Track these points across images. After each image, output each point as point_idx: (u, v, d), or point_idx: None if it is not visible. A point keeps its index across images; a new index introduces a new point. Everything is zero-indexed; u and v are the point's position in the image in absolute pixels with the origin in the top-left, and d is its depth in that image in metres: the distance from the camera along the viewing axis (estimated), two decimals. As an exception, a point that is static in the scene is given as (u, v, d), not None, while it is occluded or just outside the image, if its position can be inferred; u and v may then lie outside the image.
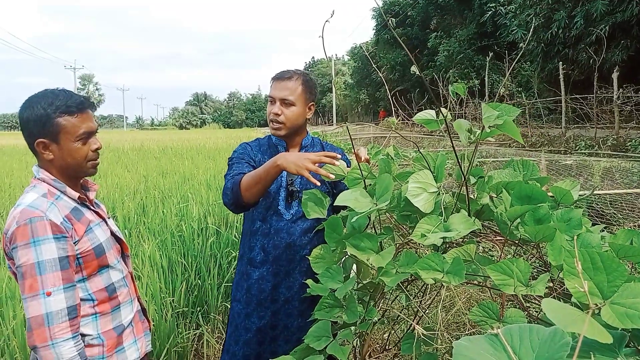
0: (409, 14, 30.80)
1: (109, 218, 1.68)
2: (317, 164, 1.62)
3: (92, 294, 1.52)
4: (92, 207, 1.61)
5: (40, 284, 1.37)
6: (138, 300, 1.74)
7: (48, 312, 1.37)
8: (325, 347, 1.35)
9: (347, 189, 1.50)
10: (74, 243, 1.46)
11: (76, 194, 1.54)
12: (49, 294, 1.38)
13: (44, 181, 1.51)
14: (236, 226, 4.72)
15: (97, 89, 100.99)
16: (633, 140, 10.51)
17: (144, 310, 1.77)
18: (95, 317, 1.53)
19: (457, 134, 1.33)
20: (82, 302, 1.49)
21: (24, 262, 1.38)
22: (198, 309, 3.59)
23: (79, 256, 1.47)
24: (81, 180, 1.63)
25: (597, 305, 0.75)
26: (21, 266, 1.39)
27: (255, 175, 1.75)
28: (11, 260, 1.45)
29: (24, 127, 1.49)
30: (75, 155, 1.51)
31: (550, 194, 1.32)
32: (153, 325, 2.91)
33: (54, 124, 1.47)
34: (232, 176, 1.88)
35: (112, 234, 1.64)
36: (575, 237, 0.98)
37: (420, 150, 1.41)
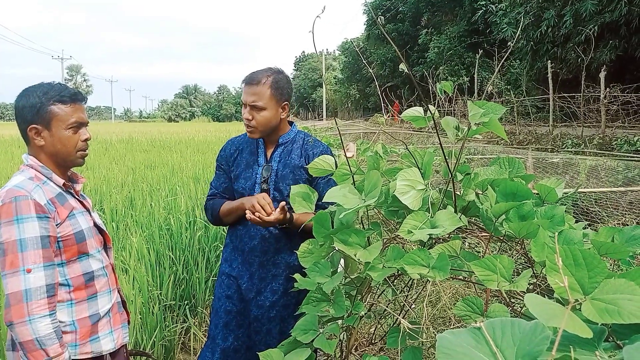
0: (400, 9, 30.77)
1: (93, 211, 1.72)
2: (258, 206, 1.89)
3: (69, 280, 1.54)
4: (76, 197, 1.64)
5: (21, 260, 1.41)
6: (118, 292, 1.76)
7: (27, 288, 1.40)
8: (312, 341, 1.37)
9: (327, 185, 1.50)
10: (56, 225, 1.49)
11: (61, 181, 1.58)
12: (29, 271, 1.41)
13: (32, 167, 1.56)
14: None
15: (84, 80, 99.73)
16: (619, 139, 10.63)
17: (123, 303, 1.79)
18: (71, 303, 1.55)
19: (446, 131, 1.34)
20: (58, 287, 1.51)
21: (6, 239, 1.41)
22: (185, 302, 3.59)
23: (59, 239, 1.51)
24: (69, 173, 1.67)
25: (577, 301, 0.76)
26: (3, 243, 1.42)
27: (232, 208, 2.08)
28: None
29: (18, 114, 1.55)
30: (66, 142, 1.56)
31: (535, 191, 1.34)
32: (140, 318, 2.90)
33: (48, 111, 1.52)
34: (212, 195, 2.18)
35: (95, 225, 1.67)
36: (557, 234, 1.00)
37: (408, 148, 1.42)
